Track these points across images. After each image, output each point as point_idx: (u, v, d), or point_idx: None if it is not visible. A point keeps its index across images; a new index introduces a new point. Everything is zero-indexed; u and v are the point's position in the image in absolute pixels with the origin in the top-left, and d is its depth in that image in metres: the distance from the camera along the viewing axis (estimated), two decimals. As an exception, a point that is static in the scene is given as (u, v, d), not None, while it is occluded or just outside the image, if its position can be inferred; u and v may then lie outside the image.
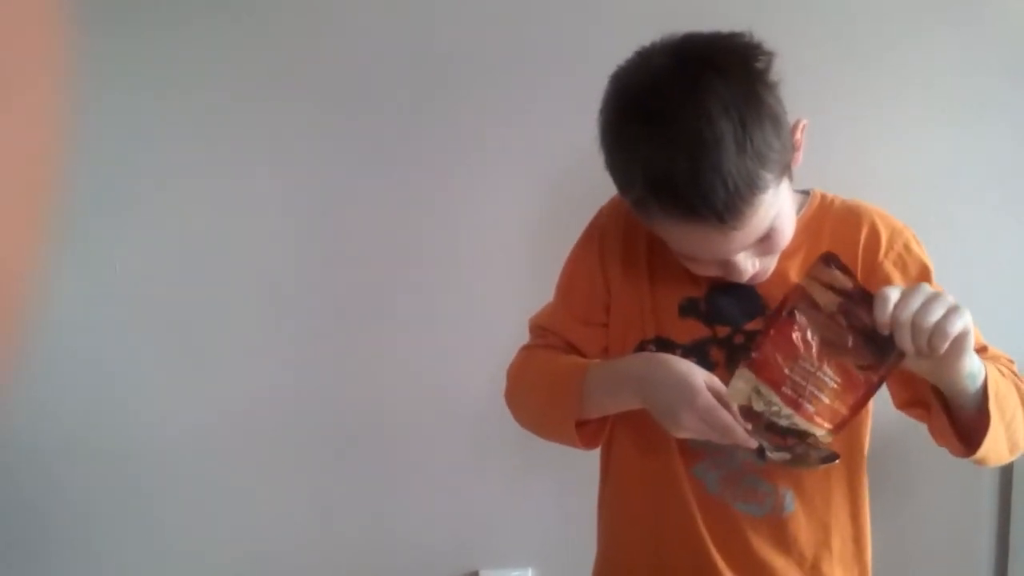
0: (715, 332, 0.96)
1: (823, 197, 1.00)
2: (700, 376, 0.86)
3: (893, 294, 0.79)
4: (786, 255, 0.94)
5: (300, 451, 1.46)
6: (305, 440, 1.46)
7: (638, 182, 0.86)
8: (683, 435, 0.89)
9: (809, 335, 0.84)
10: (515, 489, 1.47)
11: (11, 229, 0.33)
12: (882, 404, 0.95)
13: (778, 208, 0.87)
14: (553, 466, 1.39)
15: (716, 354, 0.95)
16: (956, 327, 0.77)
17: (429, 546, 1.48)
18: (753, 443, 0.85)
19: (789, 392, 0.84)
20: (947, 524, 1.46)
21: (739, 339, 0.95)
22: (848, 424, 0.85)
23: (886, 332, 0.80)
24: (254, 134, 1.39)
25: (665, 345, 0.97)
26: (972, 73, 1.37)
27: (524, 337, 1.09)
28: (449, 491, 1.47)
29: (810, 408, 0.84)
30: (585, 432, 0.98)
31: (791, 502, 0.97)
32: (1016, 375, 0.92)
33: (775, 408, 0.84)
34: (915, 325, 0.78)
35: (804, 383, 0.83)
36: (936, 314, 0.77)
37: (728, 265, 0.90)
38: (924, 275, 0.95)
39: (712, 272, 0.93)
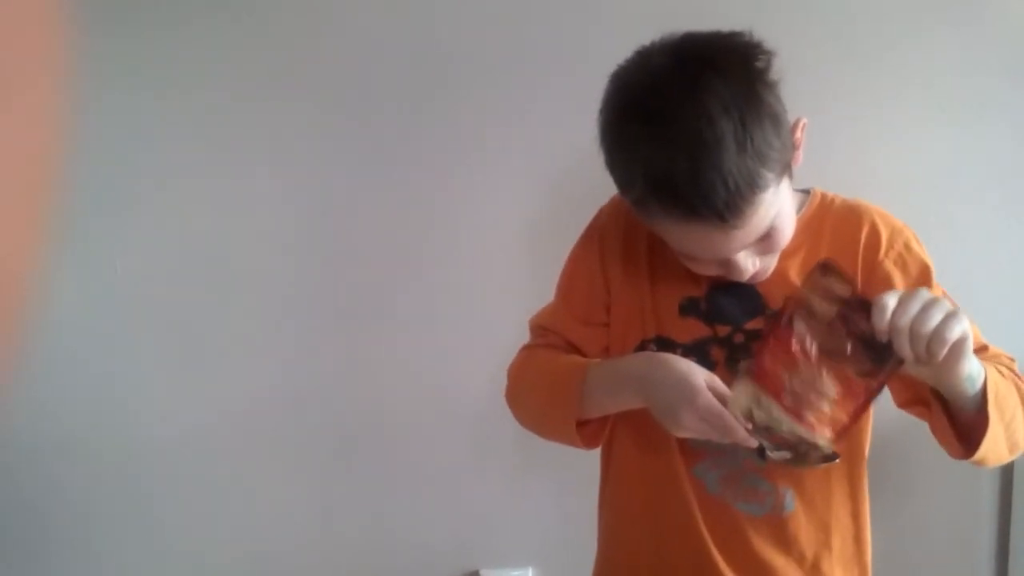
0: (715, 331, 0.96)
1: (823, 196, 1.00)
2: (700, 375, 0.86)
3: (891, 301, 0.79)
4: (786, 254, 0.94)
5: (300, 451, 1.46)
6: (305, 440, 1.46)
7: (638, 182, 0.86)
8: (683, 434, 0.89)
9: (808, 344, 0.84)
10: (515, 489, 1.47)
11: (11, 229, 0.33)
12: (883, 404, 0.95)
13: (778, 207, 0.87)
14: (553, 466, 1.39)
15: (716, 353, 0.95)
16: (954, 333, 0.77)
17: (429, 546, 1.48)
18: (753, 442, 0.85)
19: (789, 401, 0.84)
20: (947, 523, 1.46)
21: (739, 338, 0.95)
22: (849, 431, 0.85)
23: (884, 339, 0.80)
24: (254, 134, 1.39)
25: (666, 344, 0.97)
26: (972, 73, 1.37)
27: (524, 337, 1.09)
28: (449, 491, 1.47)
29: (811, 417, 0.84)
30: (586, 432, 0.98)
31: (791, 501, 0.97)
32: (1016, 374, 0.92)
33: (776, 417, 0.84)
34: (913, 331, 0.78)
35: (804, 392, 0.83)
36: (934, 320, 0.77)
37: (728, 264, 0.90)
38: (924, 274, 0.95)
39: (712, 271, 0.93)
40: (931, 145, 1.38)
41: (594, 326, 1.02)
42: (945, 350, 0.78)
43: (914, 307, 0.78)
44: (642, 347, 0.98)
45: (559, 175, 1.38)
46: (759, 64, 0.85)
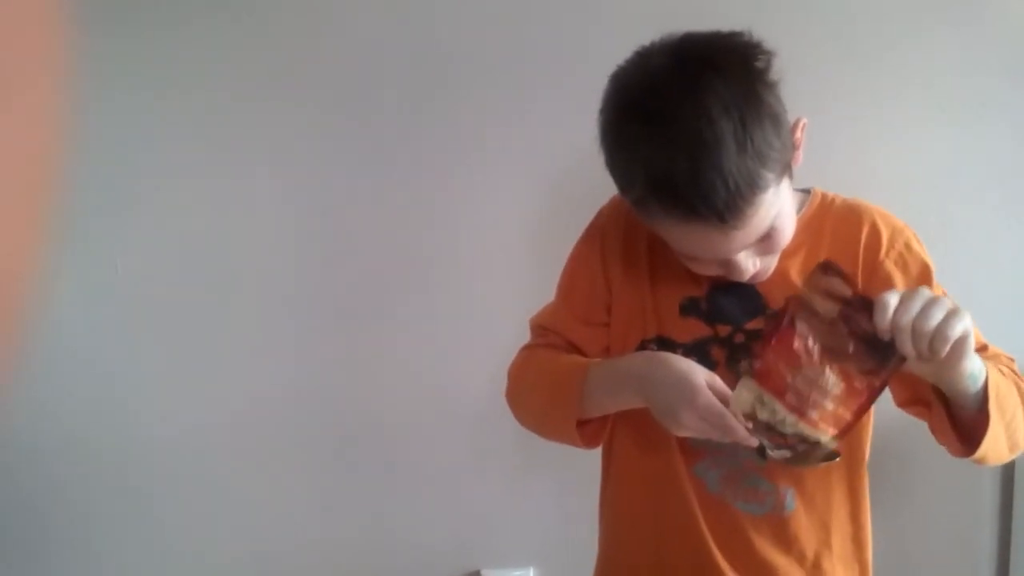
0: (716, 331, 0.96)
1: (824, 196, 1.00)
2: (701, 375, 0.86)
3: (893, 300, 0.79)
4: (787, 254, 0.94)
5: (300, 451, 1.46)
6: (305, 440, 1.46)
7: (638, 182, 0.86)
8: (684, 434, 0.89)
9: (810, 343, 0.84)
10: (516, 489, 1.47)
11: (11, 229, 0.33)
12: (883, 404, 0.94)
13: (779, 207, 0.87)
14: (554, 466, 1.39)
15: (717, 353, 0.95)
16: (956, 330, 0.77)
17: (430, 546, 1.48)
18: (754, 441, 0.85)
19: (792, 400, 0.84)
20: (948, 523, 1.46)
21: (740, 338, 0.95)
22: (852, 429, 0.85)
23: (887, 337, 0.80)
24: (254, 134, 1.39)
25: (666, 344, 0.97)
26: (972, 73, 1.37)
27: (524, 337, 1.09)
28: (449, 491, 1.47)
29: (814, 415, 0.84)
30: (586, 431, 0.98)
31: (792, 501, 0.97)
32: (1016, 374, 0.92)
33: (780, 416, 0.84)
34: (915, 330, 0.78)
35: (807, 391, 0.84)
36: (936, 318, 0.77)
37: (729, 264, 0.90)
38: (925, 274, 0.95)
39: (713, 271, 0.93)
40: (931, 145, 1.38)
41: (595, 326, 1.02)
42: (947, 348, 0.78)
43: (916, 305, 0.78)
44: (642, 347, 0.98)
45: (559, 175, 1.38)
46: (759, 64, 0.85)
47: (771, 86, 0.85)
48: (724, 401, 0.85)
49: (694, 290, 0.97)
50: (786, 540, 0.98)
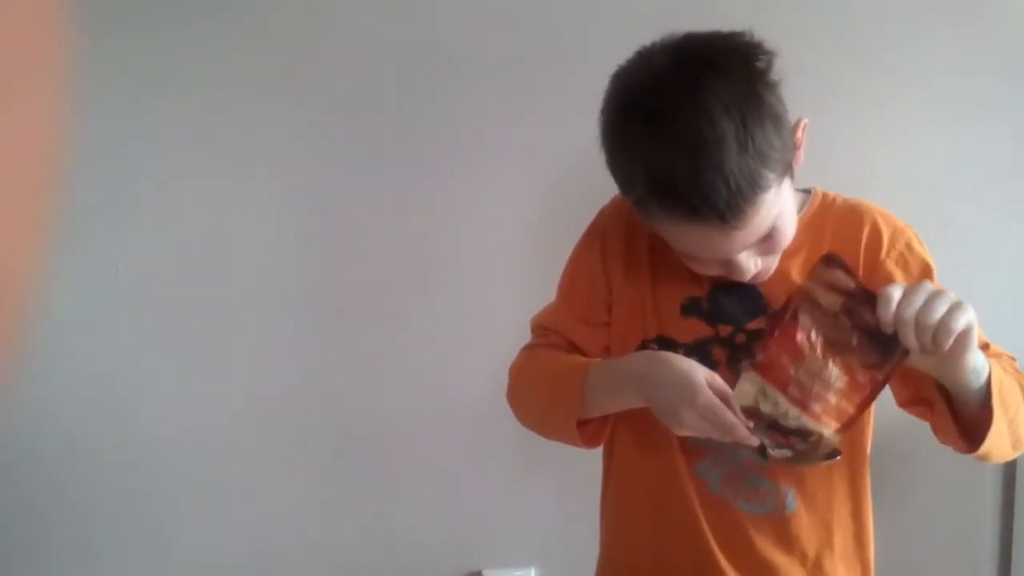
0: (717, 331, 0.96)
1: (824, 196, 1.00)
2: (701, 374, 0.86)
3: (896, 292, 0.79)
4: (788, 254, 0.94)
5: (300, 451, 1.46)
6: (305, 440, 1.46)
7: (639, 182, 0.86)
8: (684, 433, 0.89)
9: (813, 335, 0.84)
10: (516, 489, 1.47)
11: (11, 229, 0.33)
12: (884, 403, 0.95)
13: (780, 207, 0.87)
14: (554, 465, 1.39)
15: (718, 353, 0.95)
16: (960, 323, 0.77)
17: (430, 546, 1.48)
18: (755, 440, 0.85)
19: (795, 393, 0.84)
20: (950, 522, 1.46)
21: (741, 338, 0.95)
22: (855, 423, 0.85)
23: (890, 330, 0.80)
24: (254, 134, 1.39)
25: (667, 344, 0.97)
26: (972, 73, 1.37)
27: (525, 337, 1.09)
28: (450, 491, 1.47)
29: (817, 408, 0.84)
30: (587, 431, 0.98)
31: (793, 500, 0.97)
32: (1019, 372, 0.92)
33: (782, 409, 0.84)
34: (919, 322, 0.78)
35: (810, 383, 0.83)
36: (939, 311, 0.78)
37: (730, 264, 0.90)
38: (926, 274, 0.95)
39: (714, 271, 0.93)
40: (931, 145, 1.38)
41: (595, 326, 1.02)
42: (951, 340, 0.78)
43: (919, 298, 0.78)
44: (643, 347, 0.98)
45: (559, 175, 1.38)
46: (760, 64, 0.85)
47: (772, 86, 0.85)
48: (725, 400, 0.85)
49: (695, 290, 0.97)
50: (787, 540, 0.98)
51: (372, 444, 1.46)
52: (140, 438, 1.43)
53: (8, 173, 0.32)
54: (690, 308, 0.97)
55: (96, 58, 1.27)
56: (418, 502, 1.47)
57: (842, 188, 1.01)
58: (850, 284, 0.83)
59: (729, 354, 0.95)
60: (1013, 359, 0.95)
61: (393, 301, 1.43)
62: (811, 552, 0.98)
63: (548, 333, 1.05)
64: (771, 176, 0.83)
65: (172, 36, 1.35)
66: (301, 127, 1.39)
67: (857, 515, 1.00)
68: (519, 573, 1.48)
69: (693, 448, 0.97)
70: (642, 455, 1.01)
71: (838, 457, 0.87)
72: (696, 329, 0.96)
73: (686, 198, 0.82)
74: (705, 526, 0.98)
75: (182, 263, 1.41)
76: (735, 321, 0.96)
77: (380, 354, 1.44)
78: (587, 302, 1.02)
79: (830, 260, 0.84)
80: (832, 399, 0.84)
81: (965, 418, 0.87)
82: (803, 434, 0.85)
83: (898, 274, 0.94)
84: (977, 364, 0.82)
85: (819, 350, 0.84)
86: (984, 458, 0.88)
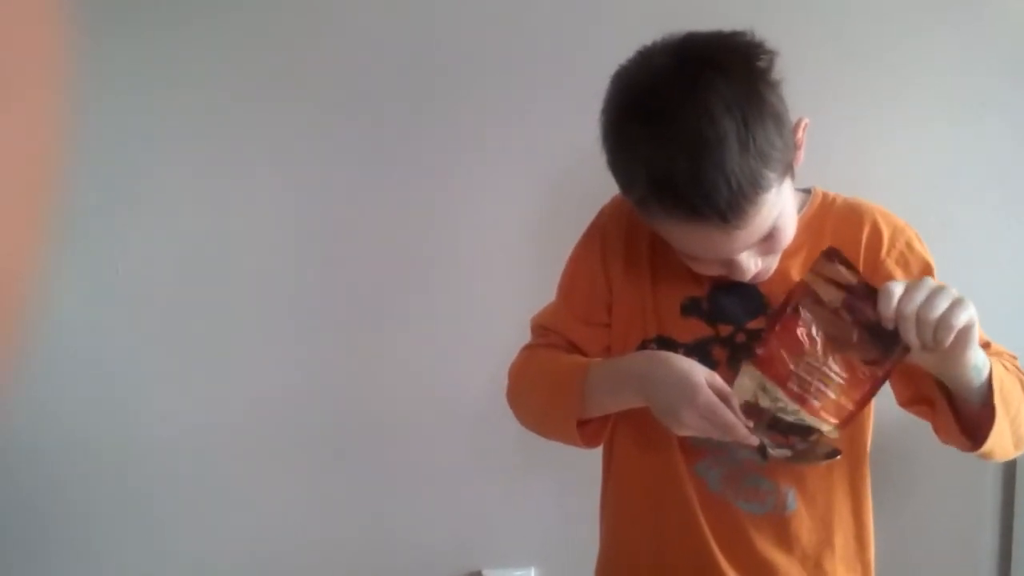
0: (717, 331, 0.96)
1: (824, 196, 1.00)
2: (701, 373, 0.86)
3: (897, 288, 0.79)
4: (788, 254, 0.94)
5: (300, 451, 1.46)
6: (305, 440, 1.46)
7: (640, 182, 0.86)
8: (684, 433, 0.89)
9: (814, 331, 0.84)
10: (516, 489, 1.47)
11: (11, 229, 0.33)
12: (884, 402, 0.95)
13: (781, 207, 0.87)
14: (554, 465, 1.39)
15: (718, 353, 0.95)
16: (961, 319, 0.77)
17: (430, 546, 1.48)
18: (754, 440, 0.85)
19: (795, 388, 0.84)
20: (950, 521, 1.46)
21: (741, 338, 0.95)
22: (855, 419, 0.85)
23: (891, 326, 0.80)
24: (254, 134, 1.39)
25: (667, 344, 0.97)
26: (972, 73, 1.37)
27: (524, 337, 1.09)
28: (450, 491, 1.47)
29: (816, 403, 0.83)
30: (587, 431, 0.98)
31: (793, 500, 0.97)
32: (1020, 370, 0.92)
33: (781, 404, 0.84)
34: (920, 318, 0.78)
35: (810, 379, 0.83)
36: (940, 307, 0.77)
37: (731, 264, 0.90)
38: (927, 273, 0.95)
39: (715, 271, 0.93)
40: (931, 145, 1.38)
41: (595, 326, 1.02)
42: (952, 336, 0.78)
43: (920, 294, 0.78)
44: (643, 347, 0.98)
45: (559, 175, 1.38)
46: (761, 64, 0.85)
47: (773, 86, 0.85)
48: (725, 400, 0.85)
49: (695, 290, 0.97)
50: (787, 540, 0.97)
51: (372, 444, 1.46)
52: (140, 438, 1.43)
53: (8, 173, 0.32)
54: (690, 308, 0.97)
55: (96, 58, 1.27)
56: (418, 502, 1.47)
57: (842, 188, 1.01)
58: (851, 279, 0.83)
59: (729, 354, 0.95)
60: (1014, 357, 0.95)
61: (393, 301, 1.43)
62: (811, 552, 0.98)
63: (548, 333, 1.05)
64: (772, 176, 0.83)
65: (172, 36, 1.35)
66: (301, 127, 1.39)
67: (857, 515, 1.00)
68: (519, 573, 1.48)
69: (693, 448, 0.97)
70: (642, 455, 1.01)
71: (838, 457, 0.87)
72: (696, 329, 0.96)
73: (687, 198, 0.82)
74: (705, 526, 0.98)
75: (182, 263, 1.41)
76: (735, 321, 0.96)
77: (380, 354, 1.44)
78: (587, 302, 1.02)
79: (831, 254, 0.84)
80: (832, 395, 0.83)
81: (966, 417, 0.87)
82: (803, 433, 0.85)
83: (898, 273, 0.94)
84: (978, 361, 0.82)
85: (819, 345, 0.83)
86: (987, 456, 0.88)
